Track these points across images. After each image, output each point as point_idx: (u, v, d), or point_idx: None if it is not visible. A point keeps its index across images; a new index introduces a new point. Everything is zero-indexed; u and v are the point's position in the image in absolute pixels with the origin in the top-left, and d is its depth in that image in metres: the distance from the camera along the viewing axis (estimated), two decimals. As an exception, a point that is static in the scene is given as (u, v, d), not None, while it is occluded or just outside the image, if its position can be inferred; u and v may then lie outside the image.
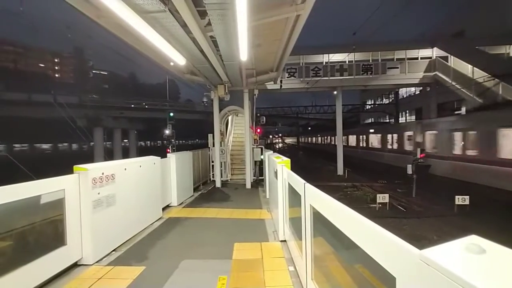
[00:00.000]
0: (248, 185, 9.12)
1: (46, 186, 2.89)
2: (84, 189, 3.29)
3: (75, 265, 3.26)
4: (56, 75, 66.68)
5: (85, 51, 67.64)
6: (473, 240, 0.86)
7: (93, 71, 72.76)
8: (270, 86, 14.09)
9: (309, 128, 64.15)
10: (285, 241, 4.00)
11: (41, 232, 2.93)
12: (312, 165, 25.78)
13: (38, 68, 62.28)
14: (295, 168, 3.79)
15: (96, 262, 3.40)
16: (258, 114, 18.07)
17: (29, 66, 58.14)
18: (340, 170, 18.66)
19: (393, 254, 1.06)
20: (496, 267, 0.74)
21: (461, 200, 9.14)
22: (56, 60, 67.80)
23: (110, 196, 3.69)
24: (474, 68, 14.96)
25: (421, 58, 18.24)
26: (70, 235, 3.14)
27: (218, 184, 9.21)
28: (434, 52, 18.00)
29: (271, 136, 77.75)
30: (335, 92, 19.26)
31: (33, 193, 2.73)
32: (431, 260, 0.81)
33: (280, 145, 74.62)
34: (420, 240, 6.97)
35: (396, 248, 1.03)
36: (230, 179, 10.64)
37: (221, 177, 9.60)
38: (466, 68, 15.62)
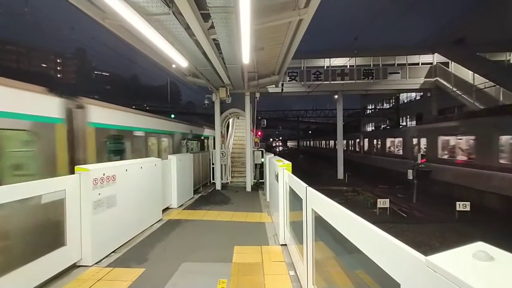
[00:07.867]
0: (249, 188, 9.10)
1: (47, 186, 2.88)
2: (85, 190, 3.28)
3: (74, 266, 3.24)
4: (59, 76, 66.94)
5: (88, 52, 67.97)
6: (480, 247, 0.85)
7: (95, 72, 73.01)
8: (272, 89, 14.13)
9: (310, 132, 64.32)
10: (285, 245, 3.98)
11: (41, 232, 2.91)
12: (312, 169, 25.69)
13: (41, 68, 62.56)
14: (294, 171, 3.79)
15: (96, 263, 3.38)
16: (259, 117, 18.10)
17: (32, 67, 58.42)
18: (340, 174, 18.61)
19: (398, 260, 1.05)
20: (505, 275, 0.73)
21: (462, 206, 9.09)
22: (58, 61, 68.15)
23: (111, 197, 3.68)
24: (475, 74, 14.99)
25: (422, 64, 18.32)
26: (70, 236, 3.13)
27: (218, 187, 9.19)
28: (435, 58, 18.08)
29: (271, 139, 77.68)
30: (336, 96, 19.30)
31: (34, 193, 2.73)
32: (439, 267, 0.80)
33: (280, 148, 74.47)
34: (421, 246, 6.91)
35: (401, 254, 1.02)
36: (231, 182, 10.62)
37: (222, 179, 9.58)
38: (467, 74, 15.66)
